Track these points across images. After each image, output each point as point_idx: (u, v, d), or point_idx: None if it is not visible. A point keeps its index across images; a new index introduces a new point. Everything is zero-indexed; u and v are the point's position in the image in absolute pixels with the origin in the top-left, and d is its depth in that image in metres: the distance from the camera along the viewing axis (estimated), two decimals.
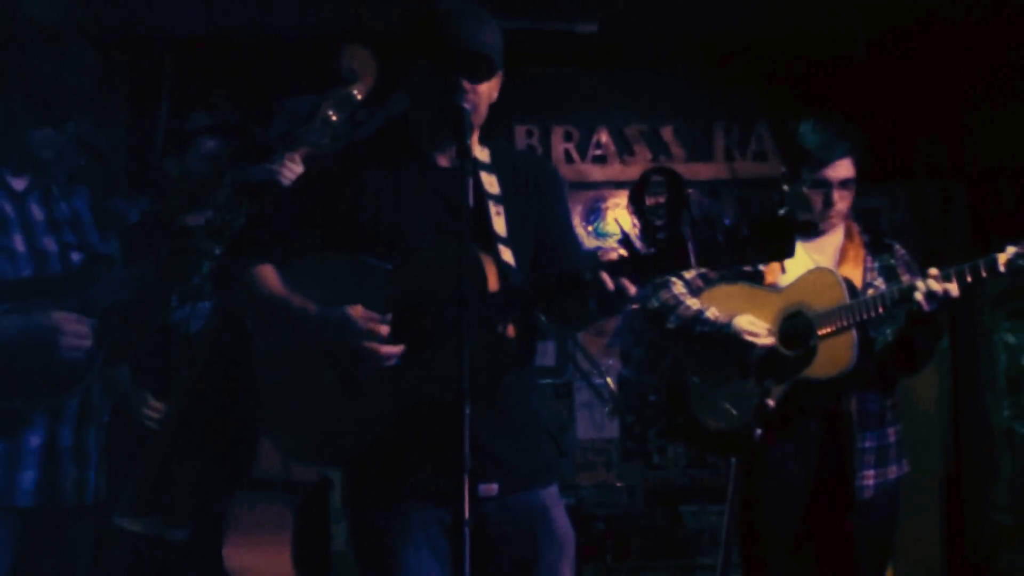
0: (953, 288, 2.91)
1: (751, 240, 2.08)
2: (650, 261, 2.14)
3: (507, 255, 2.32)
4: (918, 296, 2.92)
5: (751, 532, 3.25)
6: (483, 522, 2.27)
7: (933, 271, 2.96)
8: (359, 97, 3.04)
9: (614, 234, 5.56)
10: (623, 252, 2.16)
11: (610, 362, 5.48)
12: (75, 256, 2.77)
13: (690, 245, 2.09)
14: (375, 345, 2.19)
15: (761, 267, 3.18)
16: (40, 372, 2.59)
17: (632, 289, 2.13)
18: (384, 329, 2.20)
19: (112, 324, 2.70)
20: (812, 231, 2.16)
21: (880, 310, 3.02)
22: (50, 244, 2.74)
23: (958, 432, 5.56)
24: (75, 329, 2.58)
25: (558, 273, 2.24)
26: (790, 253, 2.10)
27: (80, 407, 2.75)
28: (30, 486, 2.62)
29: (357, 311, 2.20)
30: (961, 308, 5.43)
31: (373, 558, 2.32)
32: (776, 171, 3.41)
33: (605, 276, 2.11)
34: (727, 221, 2.08)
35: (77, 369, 2.64)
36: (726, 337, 3.15)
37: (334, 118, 3.01)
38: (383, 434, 2.25)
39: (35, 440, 2.64)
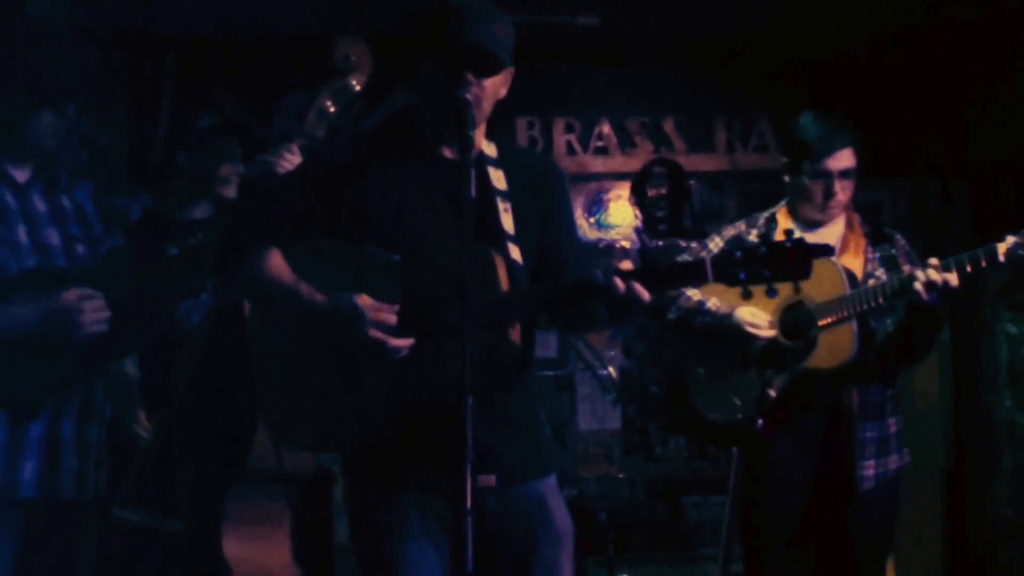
0: (953, 278, 2.91)
1: (768, 260, 2.10)
2: (667, 276, 2.16)
3: (515, 253, 2.31)
4: (917, 286, 2.92)
5: (752, 524, 3.27)
6: (482, 515, 2.26)
7: (933, 261, 2.96)
8: (356, 88, 3.04)
9: (616, 225, 5.56)
10: (639, 264, 2.17)
11: (612, 353, 5.49)
12: (80, 248, 2.77)
13: (708, 262, 2.12)
14: (383, 336, 2.17)
15: None
16: (53, 362, 2.59)
17: (646, 297, 2.14)
18: (392, 319, 2.18)
19: (124, 319, 2.70)
20: (828, 253, 2.18)
21: (880, 300, 3.03)
22: (52, 236, 2.74)
23: (959, 425, 5.56)
24: (93, 304, 2.58)
25: (571, 281, 2.24)
26: (806, 275, 2.12)
27: (82, 403, 2.76)
28: (31, 477, 2.63)
29: (365, 300, 2.19)
30: (962, 301, 5.46)
31: (373, 553, 2.33)
32: (777, 164, 3.42)
33: (620, 287, 2.12)
34: (746, 242, 2.11)
35: (89, 360, 2.64)
36: (727, 328, 3.16)
37: (331, 109, 3.01)
38: (384, 428, 2.24)
39: (36, 431, 2.65)
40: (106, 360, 2.78)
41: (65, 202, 2.82)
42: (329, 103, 3.02)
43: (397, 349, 2.18)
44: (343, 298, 2.20)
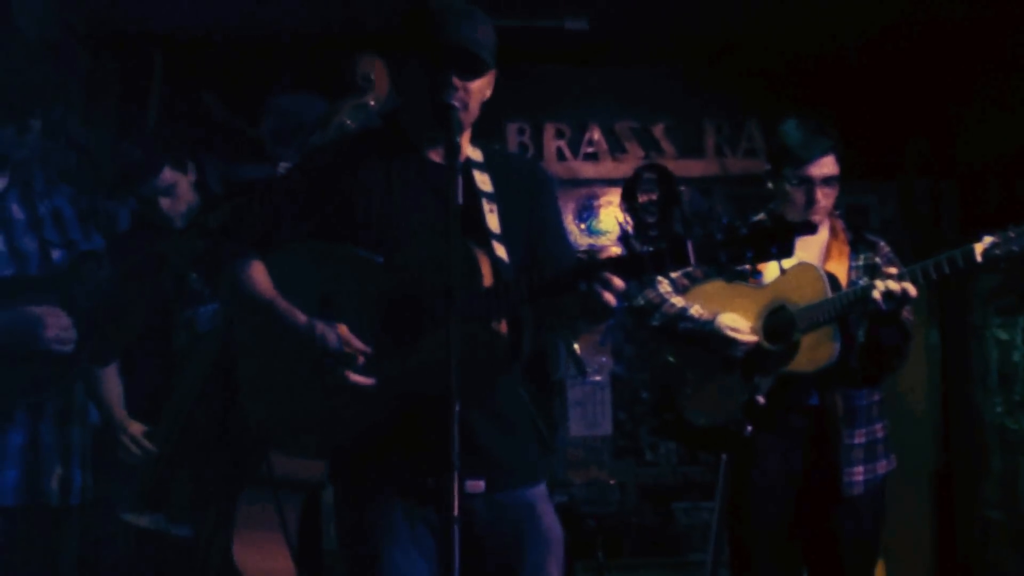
0: (911, 288, 2.92)
1: (749, 239, 2.08)
2: (649, 259, 2.13)
3: (501, 251, 2.31)
4: (875, 295, 2.94)
5: (740, 529, 3.26)
6: (470, 520, 2.25)
7: (892, 270, 2.98)
8: (373, 105, 3.11)
9: (607, 231, 5.56)
10: (620, 250, 2.16)
11: (603, 360, 5.48)
12: (56, 254, 2.76)
13: (689, 244, 2.09)
14: (347, 373, 2.20)
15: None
16: (25, 367, 2.58)
17: (619, 284, 2.11)
18: (360, 359, 2.20)
19: (97, 322, 2.70)
20: (811, 231, 2.16)
21: (842, 309, 3.03)
22: (30, 243, 2.74)
23: (949, 428, 5.57)
24: (58, 321, 2.58)
25: (555, 270, 2.23)
26: (789, 253, 2.10)
27: (63, 406, 2.75)
28: (12, 485, 2.62)
29: (342, 331, 2.20)
30: (952, 305, 5.47)
31: (360, 557, 2.31)
32: (764, 169, 3.42)
33: (603, 273, 2.11)
34: (725, 220, 2.07)
35: (62, 363, 2.64)
36: (709, 334, 3.16)
37: (349, 124, 3.08)
38: (371, 429, 2.24)
39: (17, 439, 2.64)
40: (78, 365, 2.77)
41: (42, 208, 2.81)
42: (347, 119, 3.14)
43: (357, 385, 2.20)
44: (316, 324, 2.22)
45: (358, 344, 2.21)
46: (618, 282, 2.11)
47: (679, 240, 2.10)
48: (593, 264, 2.13)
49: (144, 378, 3.43)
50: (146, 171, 3.31)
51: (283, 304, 2.28)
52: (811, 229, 2.16)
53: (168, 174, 3.35)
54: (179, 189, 3.36)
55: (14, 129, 2.69)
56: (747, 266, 2.70)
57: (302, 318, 2.24)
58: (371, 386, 2.20)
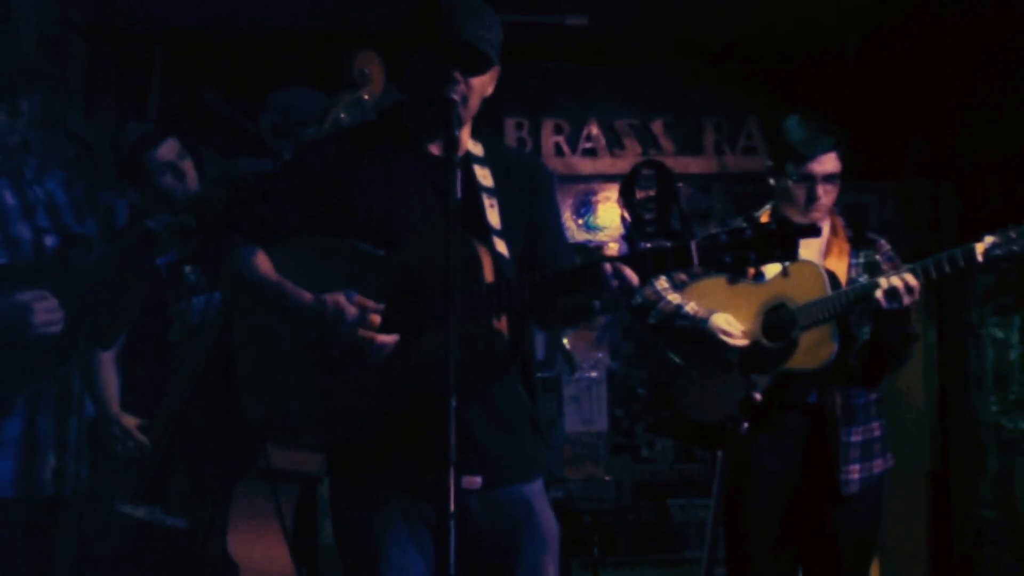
0: (911, 279, 2.92)
1: (754, 242, 2.08)
2: (651, 259, 2.13)
3: (501, 247, 2.31)
4: (878, 294, 2.94)
5: (736, 526, 3.26)
6: (466, 516, 2.26)
7: (893, 274, 2.98)
8: (368, 100, 3.12)
9: (604, 227, 5.56)
10: (624, 249, 2.16)
11: (598, 355, 5.48)
12: (48, 240, 2.73)
13: (693, 245, 2.09)
14: (369, 334, 2.16)
15: None
16: (17, 354, 2.56)
17: (635, 280, 2.12)
18: (377, 319, 2.17)
19: (90, 305, 2.67)
20: (815, 233, 2.16)
21: (843, 307, 3.04)
22: (23, 231, 2.70)
23: (945, 427, 5.57)
24: (45, 305, 2.55)
25: (558, 269, 2.23)
26: (793, 257, 2.10)
27: (60, 396, 2.73)
28: (8, 476, 2.61)
29: (356, 298, 2.18)
30: (949, 304, 5.48)
31: (357, 553, 2.31)
32: (765, 166, 3.42)
33: (608, 270, 2.11)
34: (728, 221, 2.07)
35: (55, 348, 2.61)
36: (703, 333, 3.16)
37: (344, 119, 3.08)
38: (367, 426, 2.23)
39: (13, 430, 2.62)
40: (73, 350, 2.75)
41: (35, 192, 2.78)
42: (343, 114, 3.16)
43: (381, 348, 2.17)
44: (326, 296, 2.19)
45: (372, 304, 2.18)
46: (630, 273, 2.11)
47: (683, 241, 2.10)
48: (597, 263, 2.12)
49: (141, 372, 3.43)
50: (151, 140, 3.32)
51: (290, 285, 2.25)
52: (815, 232, 2.16)
53: (172, 145, 3.35)
54: (183, 167, 3.35)
55: (5, 113, 2.66)
56: (751, 268, 2.71)
57: (309, 296, 2.22)
58: (390, 347, 2.16)
